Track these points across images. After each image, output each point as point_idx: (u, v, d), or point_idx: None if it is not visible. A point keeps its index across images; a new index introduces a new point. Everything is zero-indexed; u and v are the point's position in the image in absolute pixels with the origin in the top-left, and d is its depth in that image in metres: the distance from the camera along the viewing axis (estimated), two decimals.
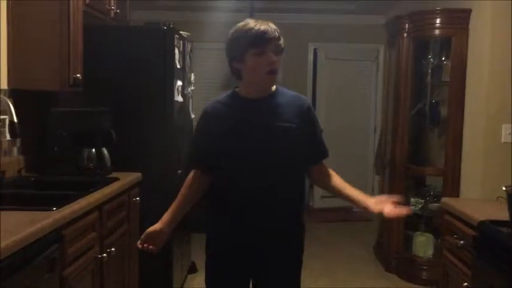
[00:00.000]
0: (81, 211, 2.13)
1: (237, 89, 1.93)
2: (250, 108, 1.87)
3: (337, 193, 1.98)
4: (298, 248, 1.96)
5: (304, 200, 2.00)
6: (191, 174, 2.00)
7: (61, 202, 2.06)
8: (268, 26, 1.80)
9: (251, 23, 1.81)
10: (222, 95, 1.96)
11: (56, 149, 2.90)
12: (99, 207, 2.37)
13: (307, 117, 1.92)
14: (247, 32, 1.80)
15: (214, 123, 1.90)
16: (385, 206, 1.80)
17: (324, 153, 1.99)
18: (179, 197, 2.02)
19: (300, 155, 1.89)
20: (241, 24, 1.83)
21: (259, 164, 1.83)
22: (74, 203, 2.13)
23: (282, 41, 1.82)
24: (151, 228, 1.98)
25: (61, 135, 2.89)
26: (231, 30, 1.86)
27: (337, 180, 1.99)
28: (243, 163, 1.84)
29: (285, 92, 1.94)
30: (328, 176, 1.99)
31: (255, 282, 1.96)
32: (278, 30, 1.82)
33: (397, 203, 1.81)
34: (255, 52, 1.79)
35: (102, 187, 2.52)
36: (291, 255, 1.93)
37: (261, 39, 1.78)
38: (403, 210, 1.79)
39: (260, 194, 1.83)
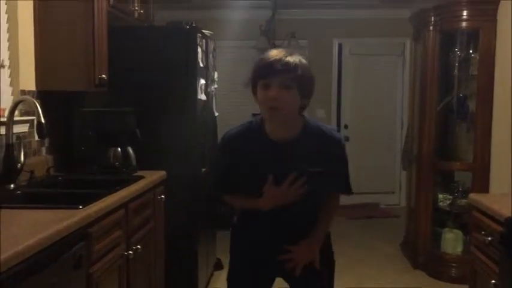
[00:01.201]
0: (107, 209, 2.17)
1: (260, 122, 1.81)
2: (276, 154, 1.78)
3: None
4: (327, 252, 1.93)
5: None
6: (229, 197, 1.96)
7: (87, 200, 2.09)
8: (283, 57, 1.69)
9: (271, 52, 1.73)
10: (244, 126, 1.86)
11: (83, 148, 2.96)
12: (125, 205, 2.40)
13: (337, 156, 1.84)
14: (259, 62, 1.74)
15: (235, 161, 1.83)
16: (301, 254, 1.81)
17: (344, 191, 1.94)
18: (244, 199, 1.91)
19: (326, 189, 1.88)
20: (265, 53, 1.76)
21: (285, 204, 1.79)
22: (100, 201, 2.17)
23: (295, 74, 1.68)
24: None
25: (88, 134, 2.95)
26: None
27: (325, 208, 1.93)
28: None
29: (313, 128, 1.82)
30: (327, 201, 1.94)
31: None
32: (296, 62, 1.69)
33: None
34: (261, 84, 1.71)
35: (127, 185, 2.56)
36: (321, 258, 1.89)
37: (265, 70, 1.69)
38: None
39: (283, 217, 1.82)
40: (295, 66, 1.69)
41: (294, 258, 1.83)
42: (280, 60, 1.68)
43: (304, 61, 1.73)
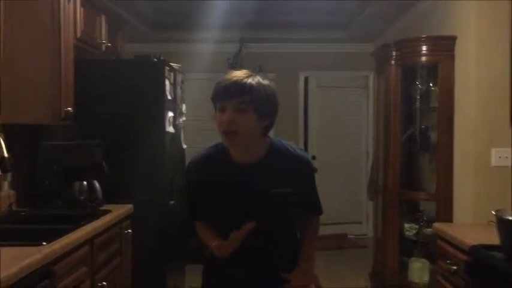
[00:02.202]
0: (72, 245, 2.12)
1: (224, 145, 1.76)
2: (242, 177, 1.75)
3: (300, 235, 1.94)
4: None
5: (297, 241, 1.94)
6: (200, 225, 1.89)
7: (51, 237, 2.05)
8: (239, 80, 1.66)
9: (230, 75, 1.70)
10: (210, 149, 1.82)
11: (47, 182, 2.90)
12: (90, 240, 2.36)
13: (305, 178, 1.83)
14: (216, 85, 1.70)
15: (202, 185, 1.81)
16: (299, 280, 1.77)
17: (316, 212, 1.93)
18: (212, 233, 1.84)
19: (295, 212, 1.86)
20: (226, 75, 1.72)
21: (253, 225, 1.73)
22: (65, 237, 2.12)
23: (250, 97, 1.64)
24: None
25: (52, 168, 2.89)
26: None
27: (304, 232, 1.93)
28: (235, 224, 1.74)
29: (281, 149, 1.79)
30: (305, 226, 1.93)
31: None
32: (253, 84, 1.66)
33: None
34: (218, 107, 1.68)
35: (93, 220, 2.51)
36: None
37: (219, 94, 1.67)
38: None
39: (252, 246, 1.75)
40: (250, 89, 1.65)
41: (297, 285, 1.79)
42: (235, 83, 1.66)
43: (264, 82, 1.70)
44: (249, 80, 1.67)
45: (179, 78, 3.67)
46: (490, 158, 3.32)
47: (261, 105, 1.68)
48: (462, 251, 2.20)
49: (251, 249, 1.77)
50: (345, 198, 6.41)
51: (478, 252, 2.03)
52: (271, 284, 1.84)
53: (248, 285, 1.85)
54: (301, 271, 1.83)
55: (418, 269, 4.05)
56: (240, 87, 1.65)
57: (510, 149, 3.28)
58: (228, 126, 1.66)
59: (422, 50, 3.95)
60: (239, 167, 1.76)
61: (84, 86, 2.99)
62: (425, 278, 4.02)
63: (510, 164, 3.27)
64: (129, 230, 2.96)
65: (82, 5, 2.99)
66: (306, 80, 6.55)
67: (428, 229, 4.04)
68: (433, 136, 4.03)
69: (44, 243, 1.96)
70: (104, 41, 3.38)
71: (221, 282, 1.89)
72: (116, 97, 3.18)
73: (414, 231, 4.16)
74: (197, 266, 2.08)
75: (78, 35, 2.97)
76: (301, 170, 1.82)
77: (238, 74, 1.69)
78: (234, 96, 1.65)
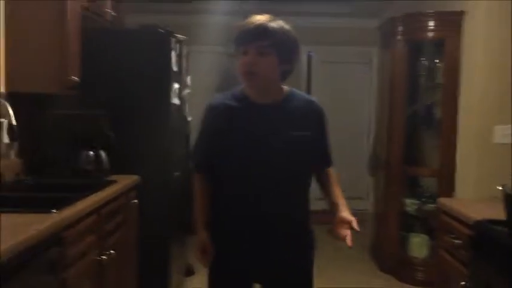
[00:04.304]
0: (80, 213, 2.14)
1: (243, 89, 1.82)
2: (262, 117, 1.78)
3: (322, 191, 1.95)
4: (308, 247, 1.95)
5: (309, 199, 1.95)
6: (198, 184, 1.88)
7: (60, 204, 2.06)
8: (261, 24, 1.70)
9: (252, 18, 1.73)
10: (228, 94, 1.85)
11: (53, 152, 2.91)
12: (97, 209, 2.37)
13: (320, 124, 1.87)
14: (238, 29, 1.75)
15: (221, 126, 1.81)
16: (344, 229, 1.75)
17: (329, 163, 1.96)
18: (202, 207, 1.88)
19: (310, 161, 1.86)
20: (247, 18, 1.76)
21: (269, 170, 1.76)
22: (73, 205, 2.14)
23: (273, 41, 1.69)
24: (205, 240, 1.84)
25: (59, 138, 2.90)
26: None
27: (327, 180, 1.94)
28: (251, 170, 1.76)
29: (297, 95, 1.86)
30: (324, 176, 1.95)
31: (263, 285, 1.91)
32: (275, 28, 1.70)
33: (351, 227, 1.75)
34: (240, 51, 1.74)
35: (100, 190, 2.53)
36: (301, 255, 1.91)
37: (242, 38, 1.73)
38: (348, 242, 1.71)
39: (266, 199, 1.77)
40: (273, 33, 1.71)
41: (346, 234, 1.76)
42: (258, 27, 1.71)
43: (286, 26, 1.76)
44: (271, 24, 1.72)
45: (184, 50, 3.64)
46: (492, 135, 3.34)
47: (282, 49, 1.73)
48: (466, 225, 2.22)
49: (264, 203, 1.76)
50: (346, 174, 6.41)
51: (483, 226, 2.05)
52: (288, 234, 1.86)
53: (255, 253, 1.82)
54: (342, 218, 1.80)
55: (418, 244, 4.11)
56: (262, 31, 1.70)
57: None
58: (249, 67, 1.71)
59: (429, 25, 3.92)
60: (258, 106, 1.79)
61: (90, 55, 2.97)
62: (425, 253, 4.08)
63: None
64: (135, 201, 2.99)
65: None
66: (309, 54, 6.50)
67: (429, 205, 4.08)
68: (437, 112, 4.04)
69: (54, 210, 1.97)
70: (109, 10, 3.34)
71: (226, 250, 1.84)
72: (121, 68, 3.15)
73: (415, 207, 4.20)
74: None
75: (85, 3, 2.93)
76: (317, 115, 1.87)
77: (261, 18, 1.74)
78: (256, 40, 1.70)
